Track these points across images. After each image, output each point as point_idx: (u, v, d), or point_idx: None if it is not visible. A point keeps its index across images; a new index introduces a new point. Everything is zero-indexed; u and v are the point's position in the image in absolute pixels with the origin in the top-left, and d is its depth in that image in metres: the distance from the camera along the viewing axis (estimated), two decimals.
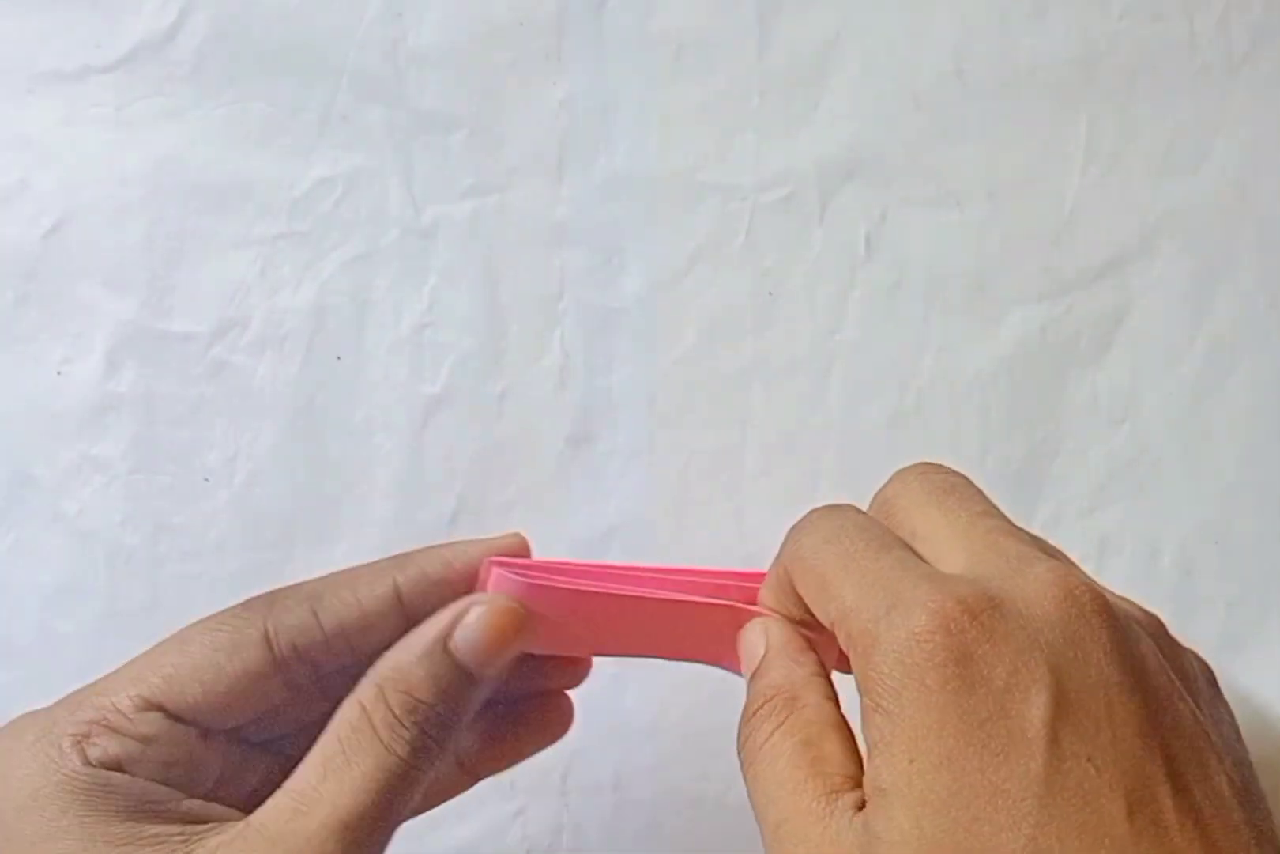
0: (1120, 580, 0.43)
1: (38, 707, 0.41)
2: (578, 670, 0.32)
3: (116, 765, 0.26)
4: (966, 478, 0.28)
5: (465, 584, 0.30)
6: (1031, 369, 0.43)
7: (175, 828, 0.25)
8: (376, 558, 0.31)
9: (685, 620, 0.30)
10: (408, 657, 0.27)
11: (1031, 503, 0.42)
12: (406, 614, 0.29)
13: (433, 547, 0.30)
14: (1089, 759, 0.21)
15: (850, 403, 0.42)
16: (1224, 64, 0.44)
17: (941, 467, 0.29)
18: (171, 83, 0.42)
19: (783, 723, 0.26)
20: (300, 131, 0.42)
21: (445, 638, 0.27)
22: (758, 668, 0.28)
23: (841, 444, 0.42)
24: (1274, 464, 0.43)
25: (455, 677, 0.27)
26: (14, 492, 0.41)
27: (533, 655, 0.30)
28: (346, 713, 0.27)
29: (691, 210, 0.43)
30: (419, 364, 0.42)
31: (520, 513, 0.41)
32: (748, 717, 0.27)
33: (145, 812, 0.25)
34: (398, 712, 0.26)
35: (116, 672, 0.28)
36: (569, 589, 0.29)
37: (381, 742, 0.26)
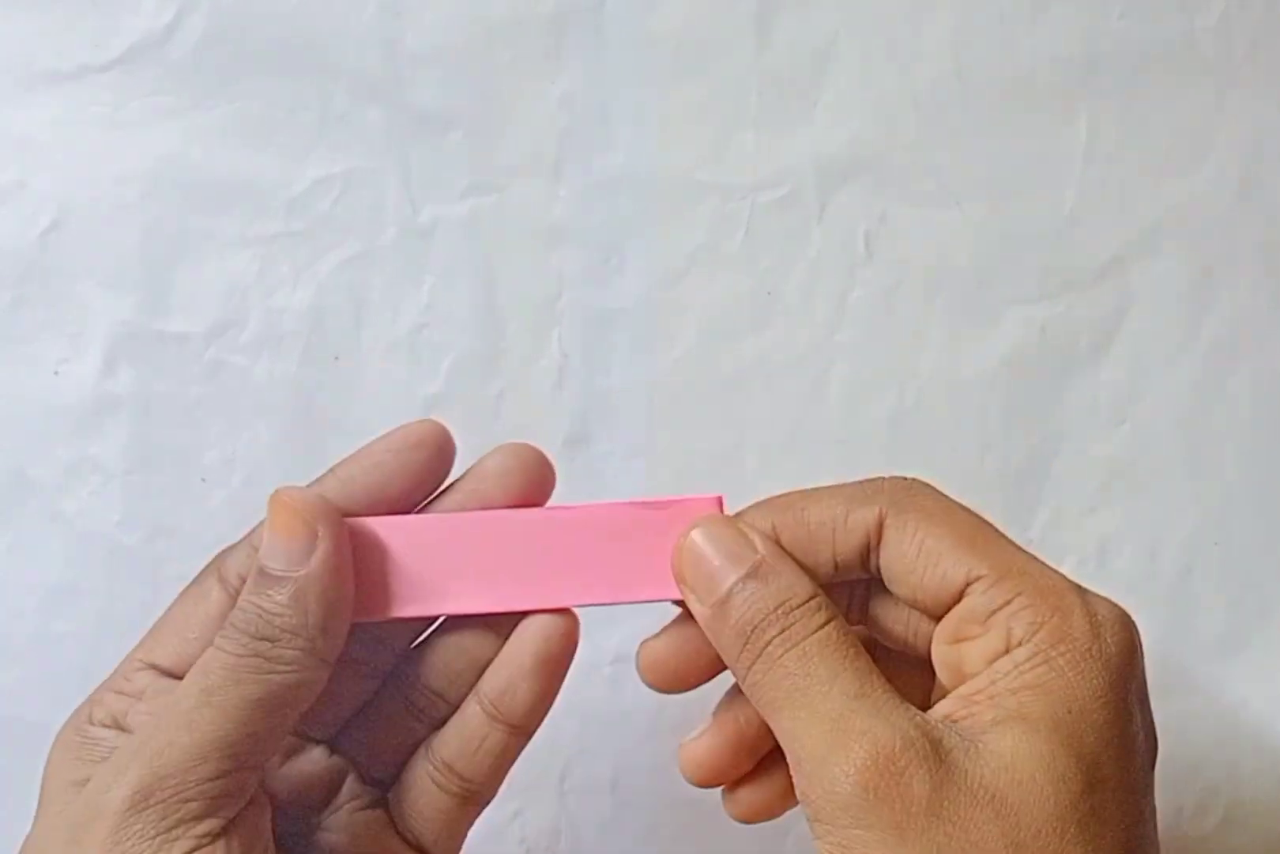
0: (1120, 580, 0.43)
1: (36, 707, 0.41)
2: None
3: (113, 722, 0.28)
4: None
5: (382, 485, 0.29)
6: (1031, 369, 0.43)
7: None
8: None
9: (591, 536, 0.29)
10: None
11: (1031, 503, 0.42)
12: None
13: (349, 455, 0.30)
14: None
15: (850, 403, 0.42)
16: (1224, 64, 0.44)
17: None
18: (169, 82, 0.42)
19: (831, 619, 0.26)
20: (298, 131, 0.42)
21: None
22: (758, 569, 0.27)
23: (841, 444, 0.42)
24: (1274, 464, 0.43)
25: (256, 577, 0.27)
26: (11, 492, 0.40)
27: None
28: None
29: (690, 210, 0.43)
30: (417, 364, 0.42)
31: None
32: (771, 614, 0.26)
33: None
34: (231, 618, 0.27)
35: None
36: (430, 516, 0.29)
37: (217, 645, 0.27)
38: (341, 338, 0.42)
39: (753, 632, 0.26)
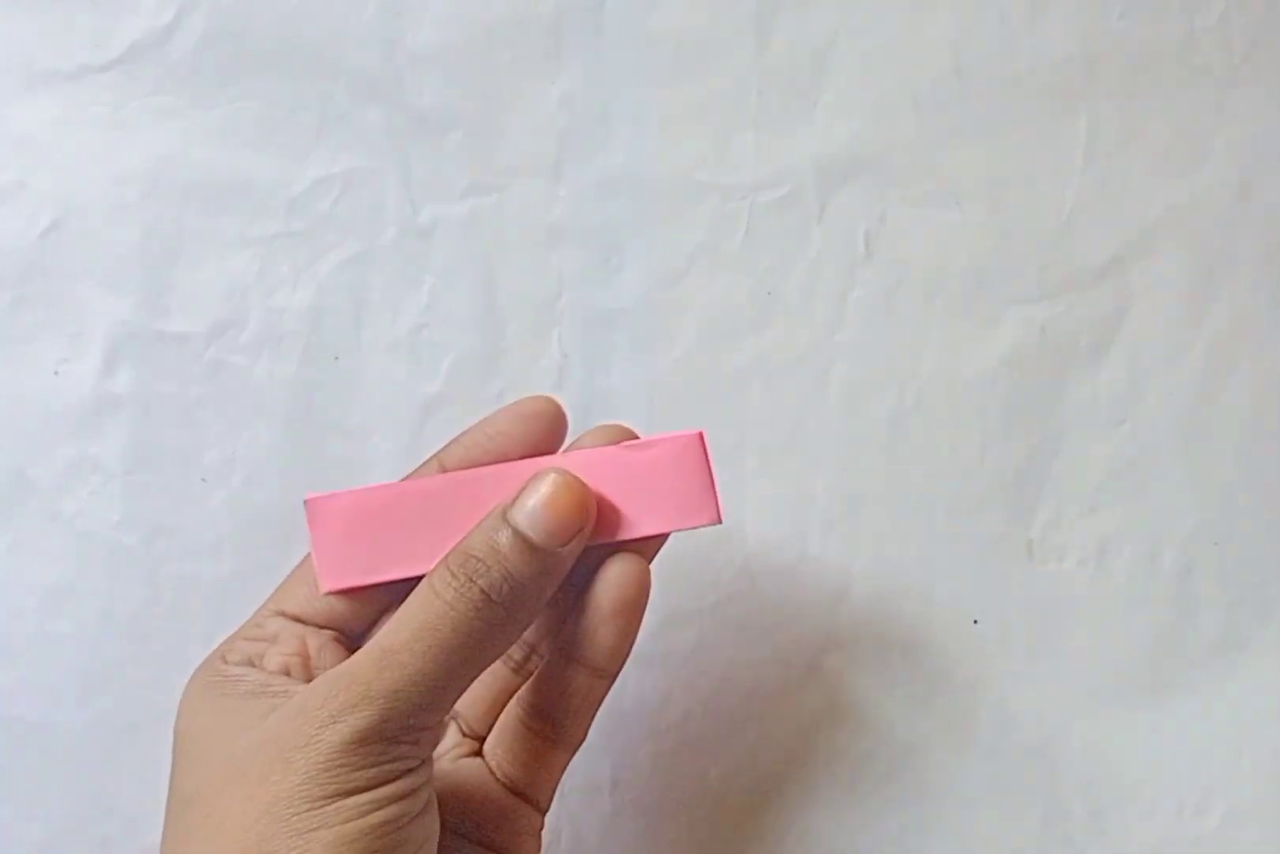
0: (1120, 580, 0.43)
1: (37, 707, 0.41)
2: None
3: (247, 662, 0.31)
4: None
5: (504, 452, 0.32)
6: (1031, 369, 0.43)
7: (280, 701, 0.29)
8: None
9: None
10: (474, 529, 0.30)
11: (1031, 503, 0.42)
12: None
13: (472, 426, 0.33)
14: None
15: (850, 403, 0.42)
16: (1224, 64, 0.44)
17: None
18: (169, 82, 0.42)
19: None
20: (298, 131, 0.42)
21: (504, 510, 0.30)
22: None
23: (841, 444, 0.42)
24: (1274, 464, 0.43)
25: (516, 544, 0.29)
26: (11, 492, 0.40)
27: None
28: (417, 589, 0.30)
29: (690, 210, 0.43)
30: (417, 364, 0.42)
31: None
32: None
33: (262, 694, 0.29)
34: (452, 566, 0.29)
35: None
36: (393, 484, 0.31)
37: (433, 590, 0.29)
38: (341, 338, 0.42)
39: None
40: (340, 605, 0.32)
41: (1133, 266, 0.43)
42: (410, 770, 0.28)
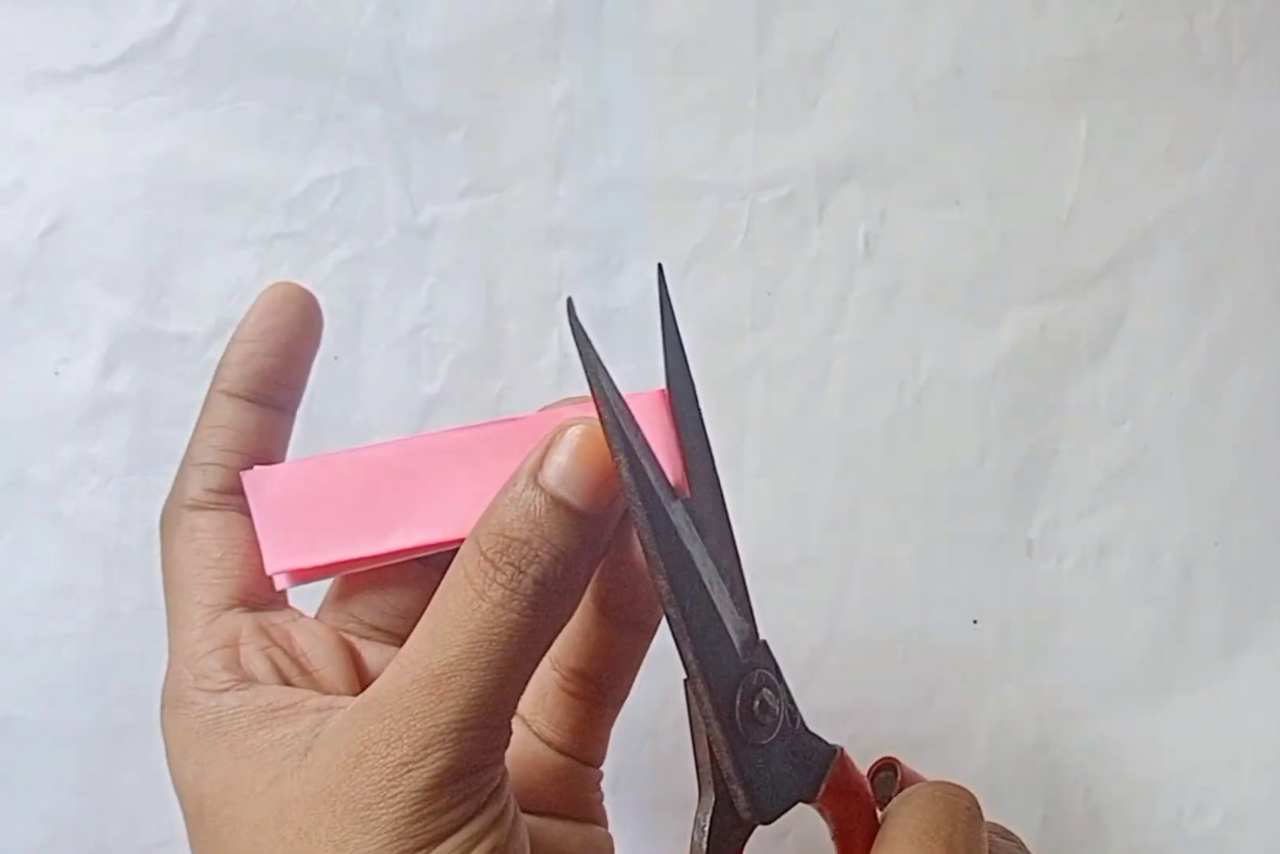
0: (1120, 580, 0.43)
1: (37, 707, 0.41)
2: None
3: (230, 682, 0.26)
4: (965, 812, 0.27)
5: (278, 345, 0.29)
6: (1031, 369, 0.43)
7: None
8: None
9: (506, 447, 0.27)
10: (500, 500, 0.25)
11: (1031, 503, 0.42)
12: None
13: (229, 344, 0.29)
14: None
15: (850, 403, 0.42)
16: (1224, 64, 0.44)
17: (945, 795, 0.27)
18: (169, 83, 0.42)
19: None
20: (298, 131, 0.42)
21: (534, 473, 0.25)
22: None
23: (841, 444, 0.42)
24: (1274, 464, 0.43)
25: (552, 510, 0.24)
26: (11, 492, 0.40)
27: None
28: (449, 572, 0.25)
29: (690, 210, 0.43)
30: (417, 364, 0.42)
31: None
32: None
33: (272, 720, 0.25)
34: (490, 555, 0.24)
35: None
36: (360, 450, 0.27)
37: (475, 589, 0.24)
38: (342, 338, 0.42)
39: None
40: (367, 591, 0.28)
41: (1133, 266, 0.43)
42: (496, 789, 0.24)
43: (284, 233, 0.42)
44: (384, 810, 0.23)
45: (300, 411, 0.41)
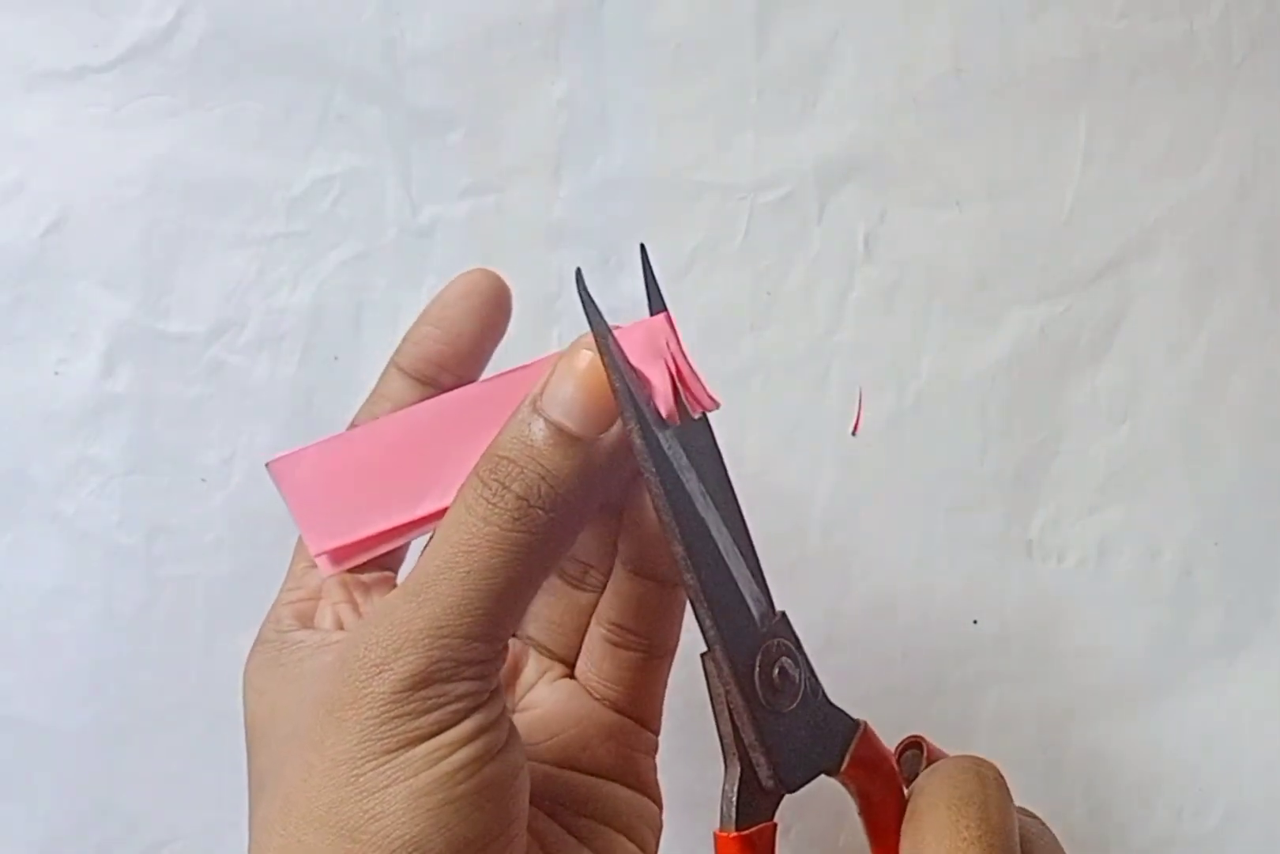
0: (1120, 580, 0.43)
1: (36, 707, 0.41)
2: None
3: (299, 626, 0.29)
4: (994, 782, 0.27)
5: (456, 333, 0.30)
6: (1031, 369, 0.43)
7: None
8: None
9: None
10: (503, 428, 0.26)
11: (1031, 503, 0.42)
12: None
13: (414, 323, 0.31)
14: None
15: (850, 403, 0.42)
16: (1224, 64, 0.44)
17: (974, 766, 0.27)
18: (169, 83, 0.42)
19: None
20: (297, 131, 0.42)
21: (535, 400, 0.26)
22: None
23: (841, 444, 0.42)
24: (1274, 464, 0.43)
25: (544, 431, 0.25)
26: (11, 492, 0.40)
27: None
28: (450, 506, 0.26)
29: (690, 210, 0.43)
30: None
31: None
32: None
33: (319, 653, 0.27)
34: (481, 473, 0.25)
35: None
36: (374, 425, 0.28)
37: (464, 505, 0.25)
38: (341, 338, 0.42)
39: None
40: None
41: (1133, 266, 0.43)
42: (478, 707, 0.25)
43: (284, 233, 0.42)
44: (354, 711, 0.24)
45: (300, 412, 0.41)
